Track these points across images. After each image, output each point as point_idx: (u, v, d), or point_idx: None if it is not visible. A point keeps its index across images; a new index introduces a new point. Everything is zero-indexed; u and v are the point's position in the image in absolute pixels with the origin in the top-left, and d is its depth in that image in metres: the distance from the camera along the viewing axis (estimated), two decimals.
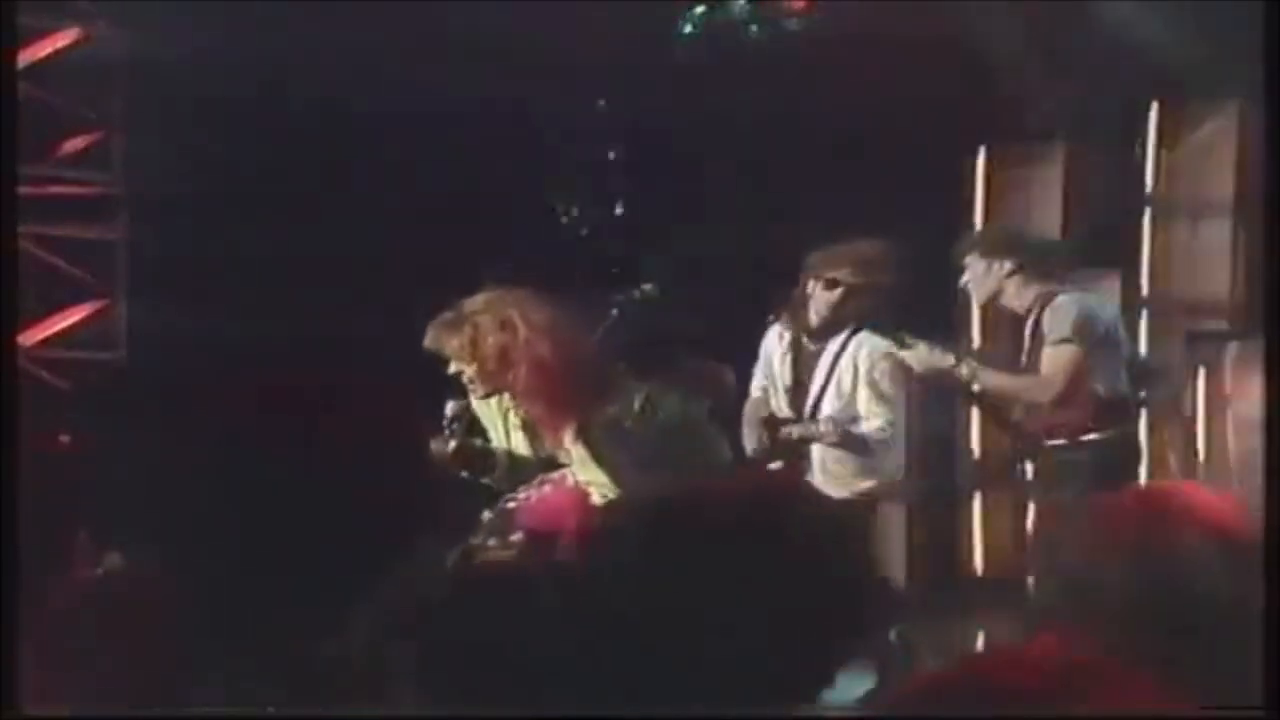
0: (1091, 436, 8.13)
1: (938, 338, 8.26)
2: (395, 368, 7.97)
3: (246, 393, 9.77)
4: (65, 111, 10.38)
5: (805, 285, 8.16)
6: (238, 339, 9.73)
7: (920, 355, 8.03)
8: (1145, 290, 9.87)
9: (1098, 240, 9.89)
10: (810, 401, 8.18)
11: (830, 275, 8.08)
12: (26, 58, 9.89)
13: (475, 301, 7.00)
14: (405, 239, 10.20)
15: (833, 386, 8.15)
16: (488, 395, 6.99)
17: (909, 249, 8.18)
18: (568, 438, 6.90)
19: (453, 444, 7.09)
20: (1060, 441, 8.12)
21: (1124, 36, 9.72)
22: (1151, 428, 9.13)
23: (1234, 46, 8.25)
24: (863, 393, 8.10)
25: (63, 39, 10.49)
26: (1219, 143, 9.88)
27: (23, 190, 8.48)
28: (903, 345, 8.01)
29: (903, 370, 8.16)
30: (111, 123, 10.62)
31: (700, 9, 10.88)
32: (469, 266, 8.65)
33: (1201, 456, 9.58)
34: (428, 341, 7.00)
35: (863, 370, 8.10)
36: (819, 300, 8.11)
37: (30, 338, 10.19)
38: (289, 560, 8.85)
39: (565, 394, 6.87)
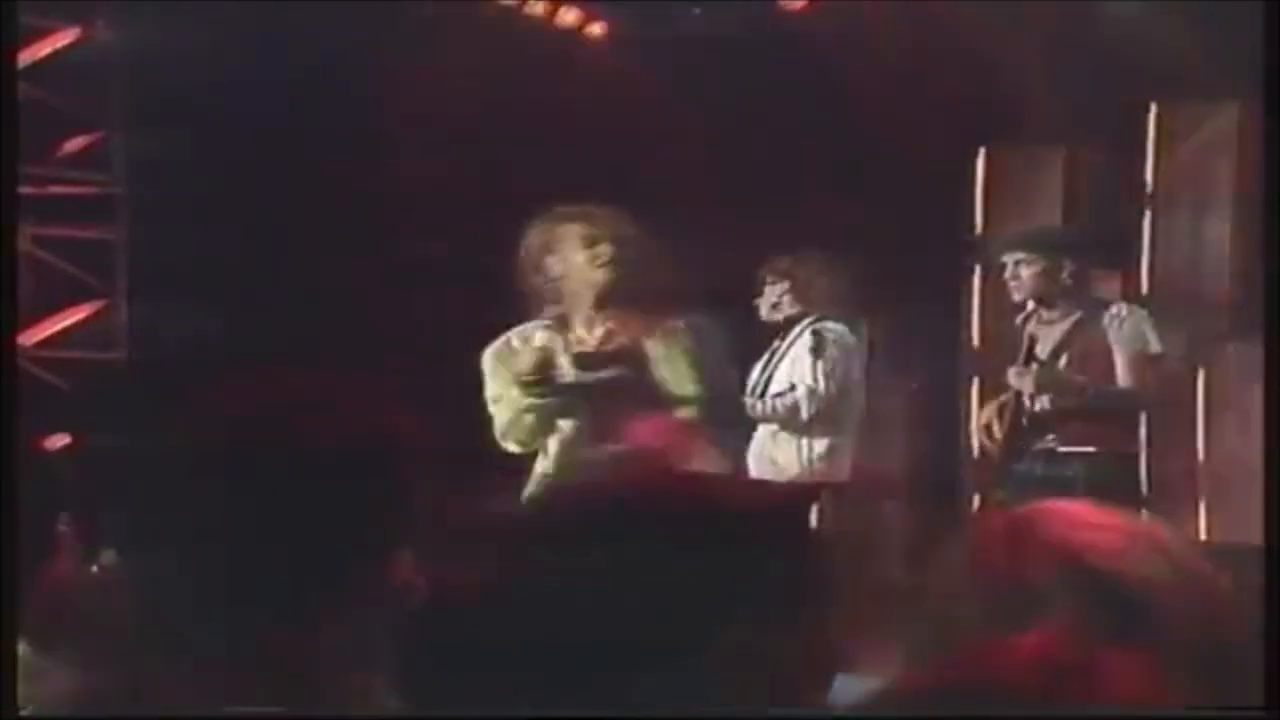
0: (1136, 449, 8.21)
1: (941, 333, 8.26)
2: (397, 367, 7.96)
3: (247, 392, 9.75)
4: (65, 111, 10.38)
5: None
6: (238, 339, 9.72)
7: (1043, 379, 7.91)
8: (1145, 290, 9.87)
9: (1098, 240, 9.89)
10: (760, 387, 8.41)
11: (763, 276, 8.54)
12: (26, 58, 9.89)
13: (569, 214, 6.60)
14: (405, 238, 10.20)
15: (782, 368, 8.34)
16: (597, 305, 6.56)
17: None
18: (657, 332, 6.59)
19: (543, 342, 6.61)
20: (1113, 450, 8.01)
21: (1124, 36, 9.72)
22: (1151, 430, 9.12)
23: (1234, 46, 8.25)
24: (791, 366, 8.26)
25: (63, 39, 10.49)
26: (1219, 143, 9.88)
27: (23, 190, 8.48)
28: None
29: (842, 349, 8.24)
30: (111, 123, 10.62)
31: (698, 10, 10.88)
32: (470, 265, 8.66)
33: (1201, 457, 9.58)
34: (531, 247, 6.55)
35: (805, 352, 8.24)
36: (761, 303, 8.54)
37: (30, 338, 10.20)
38: (290, 560, 8.84)
39: (649, 300, 6.55)
